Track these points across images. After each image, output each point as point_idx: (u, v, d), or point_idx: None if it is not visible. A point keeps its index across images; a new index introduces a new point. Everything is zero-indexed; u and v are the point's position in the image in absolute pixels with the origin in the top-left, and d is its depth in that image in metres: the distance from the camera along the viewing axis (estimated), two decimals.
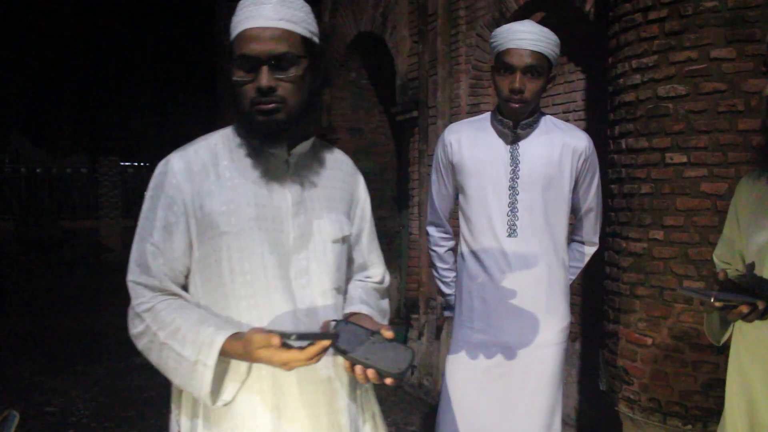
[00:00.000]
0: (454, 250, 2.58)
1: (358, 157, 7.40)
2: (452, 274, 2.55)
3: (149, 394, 5.31)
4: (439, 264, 2.57)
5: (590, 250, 2.53)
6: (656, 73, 2.96)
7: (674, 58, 2.91)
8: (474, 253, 2.35)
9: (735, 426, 1.63)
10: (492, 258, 2.29)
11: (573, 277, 2.50)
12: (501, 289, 2.29)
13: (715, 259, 1.88)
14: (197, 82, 19.87)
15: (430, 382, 5.12)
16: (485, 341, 2.31)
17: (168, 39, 21.61)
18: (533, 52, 2.18)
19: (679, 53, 2.89)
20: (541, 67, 2.20)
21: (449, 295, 2.55)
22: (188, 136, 1.65)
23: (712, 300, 1.45)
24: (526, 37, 2.18)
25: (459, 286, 2.43)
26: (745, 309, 1.43)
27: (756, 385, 1.56)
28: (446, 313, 2.60)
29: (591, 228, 2.48)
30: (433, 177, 2.52)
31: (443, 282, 2.58)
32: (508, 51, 2.19)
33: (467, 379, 2.33)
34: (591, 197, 2.42)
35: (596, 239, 2.52)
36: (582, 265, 2.54)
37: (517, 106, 2.22)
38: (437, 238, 2.57)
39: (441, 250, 2.57)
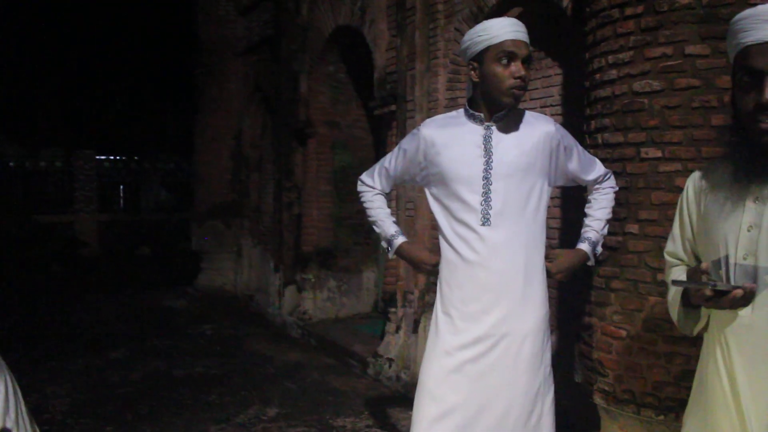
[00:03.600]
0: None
1: (335, 150, 7.39)
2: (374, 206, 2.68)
3: (126, 390, 5.28)
4: (367, 205, 2.70)
5: (610, 185, 2.58)
6: (632, 68, 2.99)
7: (650, 54, 2.94)
8: (450, 243, 2.39)
9: (717, 416, 1.64)
10: (467, 247, 2.34)
11: (608, 216, 2.57)
12: (477, 277, 2.32)
13: (666, 257, 1.90)
14: (175, 75, 19.66)
15: (408, 375, 5.14)
16: (462, 329, 2.33)
17: (146, 32, 21.35)
18: (526, 43, 2.30)
19: (655, 49, 2.92)
20: (531, 57, 2.33)
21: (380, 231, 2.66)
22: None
23: (709, 289, 1.50)
24: (520, 29, 2.29)
25: (438, 275, 2.47)
26: (740, 293, 1.48)
27: (739, 374, 1.59)
28: (383, 245, 2.68)
29: (591, 168, 2.54)
30: (390, 157, 2.62)
31: (373, 222, 2.69)
32: (511, 41, 2.27)
33: (443, 373, 2.34)
34: (583, 161, 2.51)
35: (601, 168, 2.57)
36: (610, 203, 2.58)
37: (521, 92, 2.31)
38: (366, 185, 2.71)
39: (369, 195, 2.69)
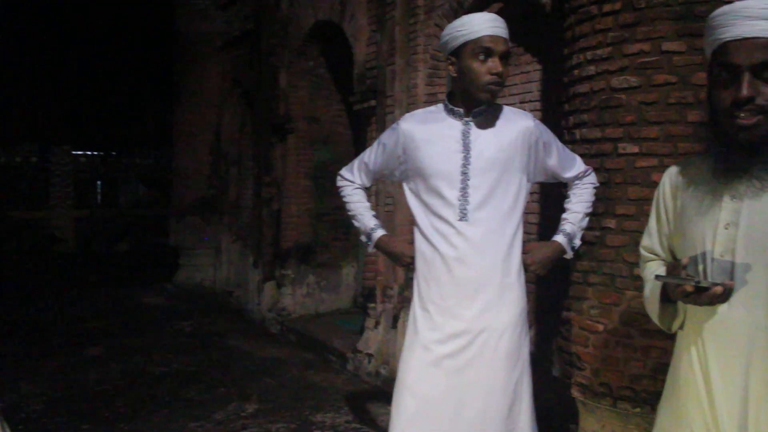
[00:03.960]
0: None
1: (315, 146, 7.37)
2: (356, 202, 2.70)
3: (103, 388, 5.23)
4: (347, 199, 2.71)
5: (590, 181, 2.59)
6: (610, 64, 3.01)
7: (627, 50, 2.96)
8: (428, 238, 2.39)
9: (689, 409, 1.66)
10: (445, 242, 2.34)
11: (587, 209, 2.57)
12: (454, 272, 2.32)
13: (642, 251, 1.91)
14: (153, 69, 19.47)
15: (387, 371, 5.14)
16: (440, 324, 2.34)
17: (124, 26, 21.12)
18: (504, 39, 2.30)
19: (632, 45, 2.94)
20: (510, 53, 2.34)
21: (361, 225, 2.68)
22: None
23: (693, 284, 1.51)
24: (499, 25, 2.29)
25: (415, 270, 2.47)
26: (719, 290, 1.49)
27: (713, 368, 1.60)
28: (362, 238, 2.69)
29: (571, 165, 2.55)
30: (369, 151, 2.63)
31: (352, 216, 2.70)
32: (489, 37, 2.26)
33: (421, 368, 2.34)
34: (563, 157, 2.52)
35: (581, 165, 2.58)
36: (590, 198, 2.58)
37: (498, 88, 2.31)
38: (345, 179, 2.72)
39: (349, 189, 2.70)
